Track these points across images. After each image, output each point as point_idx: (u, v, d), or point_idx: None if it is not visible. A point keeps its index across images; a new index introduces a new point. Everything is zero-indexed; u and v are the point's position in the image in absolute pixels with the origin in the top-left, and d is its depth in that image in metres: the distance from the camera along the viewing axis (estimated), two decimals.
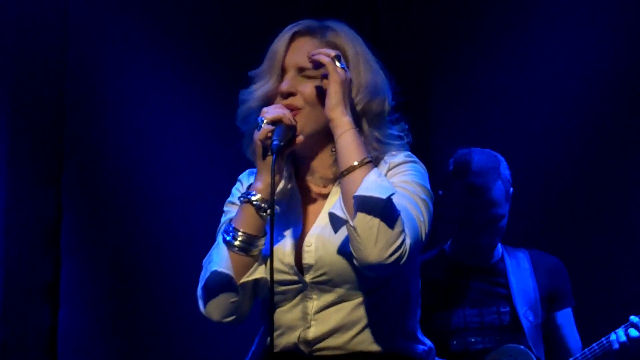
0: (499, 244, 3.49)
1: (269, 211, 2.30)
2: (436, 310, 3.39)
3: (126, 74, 4.34)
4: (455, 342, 3.38)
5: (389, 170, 2.38)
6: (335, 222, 2.27)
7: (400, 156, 2.42)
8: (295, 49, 2.40)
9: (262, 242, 2.33)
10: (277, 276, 2.33)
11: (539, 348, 3.40)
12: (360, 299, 2.33)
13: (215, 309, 2.34)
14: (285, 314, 2.36)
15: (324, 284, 2.33)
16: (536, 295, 3.43)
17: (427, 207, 2.33)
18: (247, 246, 2.31)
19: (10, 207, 4.17)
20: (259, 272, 2.33)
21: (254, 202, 2.31)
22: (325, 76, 2.35)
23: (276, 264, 2.33)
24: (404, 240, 2.21)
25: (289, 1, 4.24)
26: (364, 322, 2.33)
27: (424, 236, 2.30)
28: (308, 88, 2.37)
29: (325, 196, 2.42)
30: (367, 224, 2.19)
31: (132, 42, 4.36)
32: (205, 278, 2.33)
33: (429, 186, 2.38)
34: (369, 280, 2.31)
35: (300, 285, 2.34)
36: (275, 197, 2.29)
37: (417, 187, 2.34)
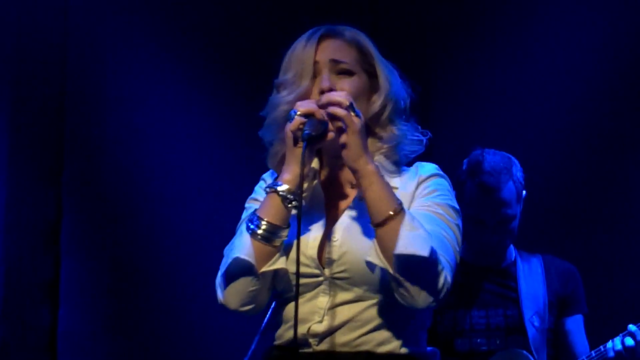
0: (513, 248, 3.50)
1: (294, 202, 2.30)
2: (443, 309, 3.39)
3: (126, 74, 4.34)
4: (460, 342, 3.38)
5: (419, 184, 2.41)
6: (373, 267, 2.28)
7: (429, 168, 2.46)
8: (323, 49, 2.41)
9: (285, 233, 2.33)
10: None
11: (542, 353, 3.40)
12: (374, 300, 2.34)
13: (234, 296, 2.33)
14: (300, 308, 2.33)
15: (342, 281, 2.33)
16: (545, 300, 3.42)
17: (459, 231, 2.38)
18: (270, 236, 2.30)
19: (11, 207, 4.17)
20: (280, 262, 2.32)
21: (281, 193, 2.30)
22: (368, 73, 2.40)
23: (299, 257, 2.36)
24: (445, 278, 2.26)
25: (289, 1, 4.25)
26: (375, 322, 2.34)
27: (458, 260, 2.35)
28: (346, 85, 2.39)
29: (349, 195, 2.42)
30: (410, 277, 2.23)
31: (132, 41, 4.36)
32: (226, 264, 2.32)
33: (458, 205, 2.42)
34: (387, 285, 2.32)
35: (320, 279, 2.35)
36: (298, 190, 2.29)
37: (450, 212, 2.38)
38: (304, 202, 2.34)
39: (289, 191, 2.30)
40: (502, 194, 3.35)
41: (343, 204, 2.42)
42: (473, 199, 3.36)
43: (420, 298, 2.24)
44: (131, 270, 4.29)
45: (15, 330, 4.14)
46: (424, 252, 2.21)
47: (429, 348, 2.45)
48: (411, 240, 2.22)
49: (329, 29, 2.44)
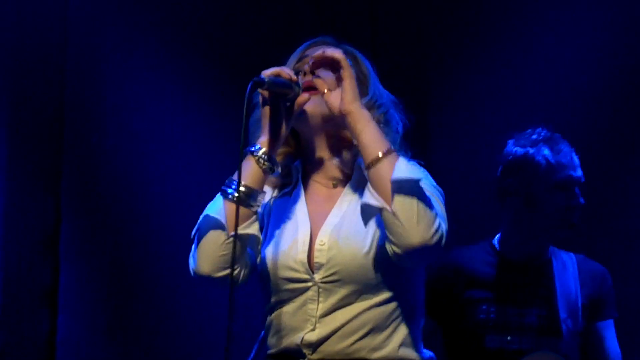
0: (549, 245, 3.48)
1: (267, 164, 2.33)
2: (477, 303, 3.35)
3: (125, 80, 4.34)
4: (491, 339, 3.34)
5: None
6: (367, 212, 2.29)
7: None
8: (315, 48, 2.46)
9: (261, 198, 2.34)
10: (287, 273, 2.35)
11: (575, 356, 3.36)
12: (365, 304, 2.34)
13: (205, 259, 2.31)
14: (290, 316, 2.36)
15: (332, 283, 2.33)
16: (578, 302, 3.37)
17: (443, 206, 2.36)
18: (246, 198, 2.30)
19: (10, 213, 4.17)
20: (254, 229, 2.32)
21: (255, 155, 2.33)
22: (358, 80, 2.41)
23: (288, 262, 2.35)
24: (440, 222, 2.24)
25: (288, 6, 4.24)
26: (367, 327, 2.33)
27: (446, 229, 2.31)
28: (329, 75, 2.40)
29: (334, 196, 2.42)
30: (407, 206, 2.21)
31: (132, 47, 4.35)
32: (197, 225, 2.34)
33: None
34: (378, 283, 2.33)
35: (309, 284, 2.34)
36: (274, 154, 2.33)
37: (433, 189, 2.36)
38: (286, 204, 2.38)
39: (263, 153, 2.33)
40: (573, 151, 3.39)
41: (327, 205, 2.42)
42: (558, 162, 3.35)
43: (417, 232, 2.21)
44: (130, 277, 4.28)
45: (14, 336, 4.13)
46: (419, 177, 2.24)
47: (425, 353, 2.43)
48: (406, 169, 2.25)
49: (323, 39, 2.49)
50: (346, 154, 2.42)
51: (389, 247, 2.25)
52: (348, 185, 2.42)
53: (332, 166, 2.43)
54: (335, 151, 2.43)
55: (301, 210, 2.42)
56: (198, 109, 4.36)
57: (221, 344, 4.08)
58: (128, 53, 4.35)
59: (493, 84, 4.38)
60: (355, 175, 2.42)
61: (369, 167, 2.27)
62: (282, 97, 2.34)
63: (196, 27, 4.40)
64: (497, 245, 3.47)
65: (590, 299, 3.41)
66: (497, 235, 3.49)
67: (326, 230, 2.36)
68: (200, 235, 2.32)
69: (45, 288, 4.21)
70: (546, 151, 3.35)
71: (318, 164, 2.45)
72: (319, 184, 2.45)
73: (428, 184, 2.35)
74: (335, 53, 2.32)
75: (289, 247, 2.35)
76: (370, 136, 2.29)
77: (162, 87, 4.36)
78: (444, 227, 2.26)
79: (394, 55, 4.35)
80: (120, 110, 4.34)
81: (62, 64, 4.31)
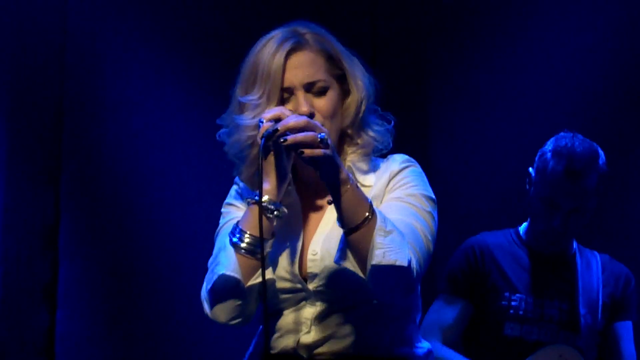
0: (574, 241, 3.47)
1: (276, 212, 2.27)
2: (500, 290, 3.38)
3: (125, 77, 4.34)
4: (510, 327, 3.36)
5: (391, 179, 2.38)
6: (350, 273, 2.26)
7: (399, 159, 2.42)
8: (293, 67, 2.35)
9: (269, 245, 2.30)
10: (281, 284, 2.35)
11: (592, 354, 3.37)
12: (361, 307, 2.34)
13: (222, 311, 2.32)
14: (286, 318, 2.37)
15: (328, 293, 2.33)
16: (599, 300, 3.38)
17: (432, 219, 2.34)
18: (255, 249, 2.27)
19: (9, 208, 4.17)
20: (267, 273, 2.28)
21: (262, 204, 2.26)
22: (338, 78, 2.37)
23: (280, 273, 2.35)
24: (416, 275, 2.23)
25: (288, 7, 4.25)
26: (363, 329, 2.34)
27: (431, 248, 2.31)
28: (321, 103, 2.34)
29: (324, 202, 2.41)
30: (381, 280, 2.21)
31: (131, 44, 4.36)
32: (212, 281, 2.30)
33: (432, 193, 2.38)
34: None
35: (304, 293, 2.35)
36: (279, 199, 2.28)
37: (423, 201, 2.34)
38: (285, 211, 2.32)
39: (269, 201, 2.27)
40: (585, 182, 3.31)
41: (319, 213, 2.41)
42: (554, 181, 3.31)
43: (390, 296, 2.28)
44: (129, 273, 4.28)
45: (14, 332, 4.14)
46: (403, 262, 2.19)
47: (422, 347, 2.43)
48: (388, 247, 2.19)
49: (294, 43, 2.37)
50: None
51: None
52: None
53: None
54: None
55: (295, 217, 2.40)
56: (197, 107, 4.36)
57: (219, 341, 4.12)
58: (127, 52, 4.36)
59: (493, 84, 4.39)
60: None
61: (347, 233, 2.22)
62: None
63: (196, 27, 4.40)
64: (522, 235, 3.48)
65: (612, 299, 3.43)
66: (524, 224, 3.50)
67: (318, 240, 2.36)
68: (217, 293, 2.31)
69: (44, 284, 4.21)
70: (558, 166, 3.33)
71: (309, 173, 2.42)
72: (311, 190, 2.44)
73: (415, 207, 2.32)
74: (308, 151, 2.18)
75: (281, 257, 2.36)
76: (348, 203, 2.22)
77: (161, 85, 4.36)
78: (419, 269, 2.25)
79: (394, 56, 4.35)
80: (120, 108, 4.34)
81: (61, 60, 4.31)
